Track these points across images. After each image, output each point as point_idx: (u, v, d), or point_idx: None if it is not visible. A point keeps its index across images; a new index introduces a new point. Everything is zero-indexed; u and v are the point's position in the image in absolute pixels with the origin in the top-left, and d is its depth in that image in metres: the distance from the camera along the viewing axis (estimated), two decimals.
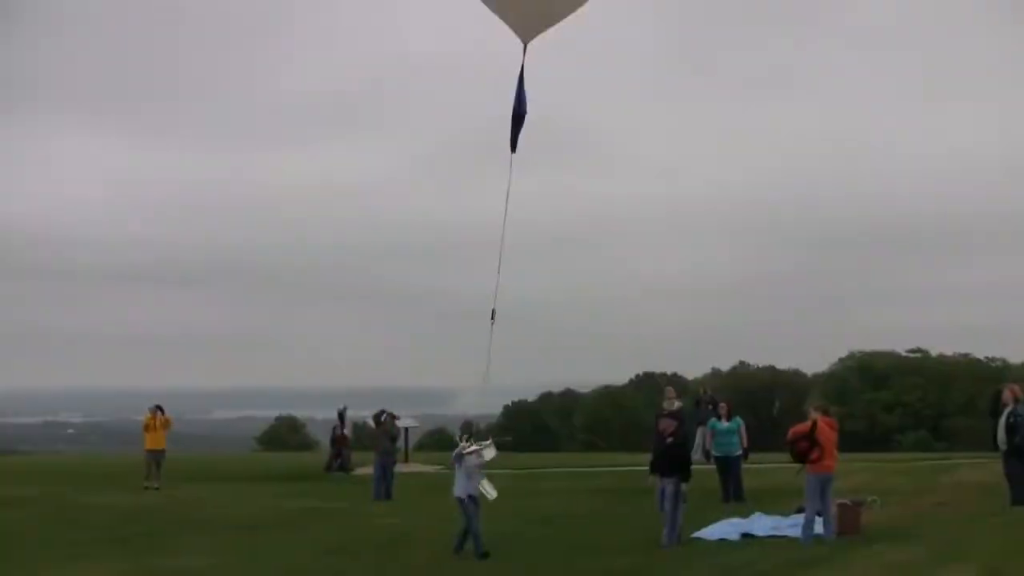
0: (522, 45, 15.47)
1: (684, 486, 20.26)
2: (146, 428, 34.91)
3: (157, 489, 33.55)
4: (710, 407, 30.84)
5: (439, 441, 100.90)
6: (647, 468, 21.72)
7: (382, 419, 32.93)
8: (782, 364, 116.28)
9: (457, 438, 22.50)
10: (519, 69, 15.56)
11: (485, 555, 19.40)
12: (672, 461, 20.46)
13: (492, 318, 17.86)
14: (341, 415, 40.16)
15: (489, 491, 21.09)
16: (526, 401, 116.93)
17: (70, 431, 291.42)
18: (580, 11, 15.67)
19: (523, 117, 15.76)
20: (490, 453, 20.92)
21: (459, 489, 20.16)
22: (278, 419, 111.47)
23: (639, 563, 18.51)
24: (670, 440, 20.69)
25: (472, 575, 18.22)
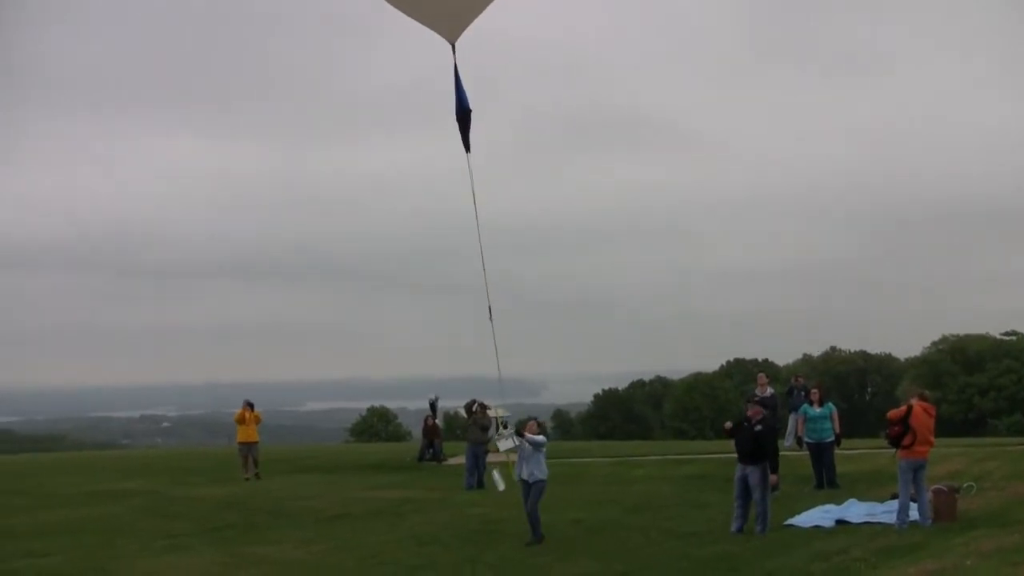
0: (450, 46, 15.20)
1: (775, 476, 20.13)
2: (239, 422, 35.72)
3: (257, 478, 34.29)
4: (802, 393, 30.54)
5: None
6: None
7: (473, 409, 33.00)
8: (874, 349, 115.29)
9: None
10: (453, 71, 15.27)
11: (537, 541, 19.91)
12: (758, 448, 20.31)
13: (490, 317, 17.91)
14: (433, 405, 40.32)
15: (498, 481, 21.31)
16: (616, 390, 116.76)
17: (166, 424, 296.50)
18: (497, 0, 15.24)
19: (468, 116, 15.51)
20: (505, 444, 21.08)
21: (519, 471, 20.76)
22: (370, 410, 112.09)
23: (732, 550, 18.41)
24: (758, 428, 20.49)
25: (565, 564, 18.21)
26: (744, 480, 20.30)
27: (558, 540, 20.19)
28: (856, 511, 21.47)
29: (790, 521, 20.83)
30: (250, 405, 35.92)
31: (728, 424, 21.38)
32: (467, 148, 15.62)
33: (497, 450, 36.19)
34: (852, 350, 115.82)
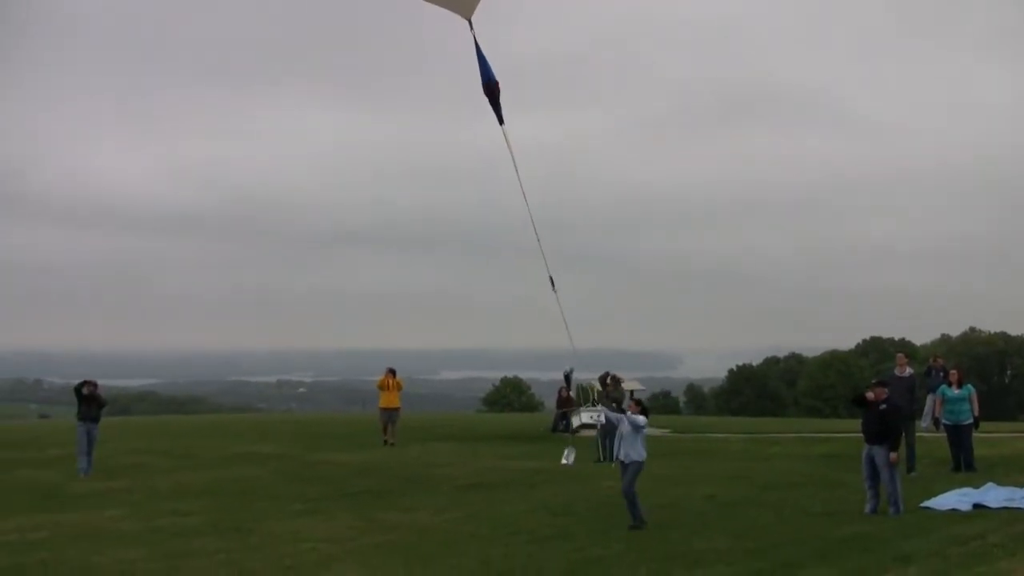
0: (467, 22, 15.09)
1: (894, 455, 19.90)
2: (381, 388, 36.36)
3: (393, 445, 34.90)
4: (940, 374, 30.06)
5: (664, 404, 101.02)
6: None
7: (606, 381, 33.09)
8: (1015, 331, 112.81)
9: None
10: (473, 46, 15.16)
11: (638, 526, 19.29)
12: (884, 428, 20.10)
13: (552, 287, 17.83)
14: (567, 377, 40.51)
15: (568, 455, 21.22)
16: (751, 366, 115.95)
17: (301, 390, 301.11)
18: None
19: (496, 89, 15.39)
20: (577, 420, 20.89)
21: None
22: (503, 380, 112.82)
23: (867, 531, 18.26)
24: (883, 407, 20.26)
25: (698, 539, 18.22)
26: (871, 460, 20.13)
27: (691, 515, 20.20)
28: (995, 495, 21.11)
29: (926, 503, 20.56)
30: (392, 372, 36.56)
31: (866, 394, 21.12)
32: (500, 121, 15.63)
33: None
34: (992, 331, 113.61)
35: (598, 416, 20.49)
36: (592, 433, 34.14)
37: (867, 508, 20.10)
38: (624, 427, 19.87)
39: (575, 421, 20.18)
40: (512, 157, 15.94)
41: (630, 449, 19.78)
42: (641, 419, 19.88)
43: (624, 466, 19.81)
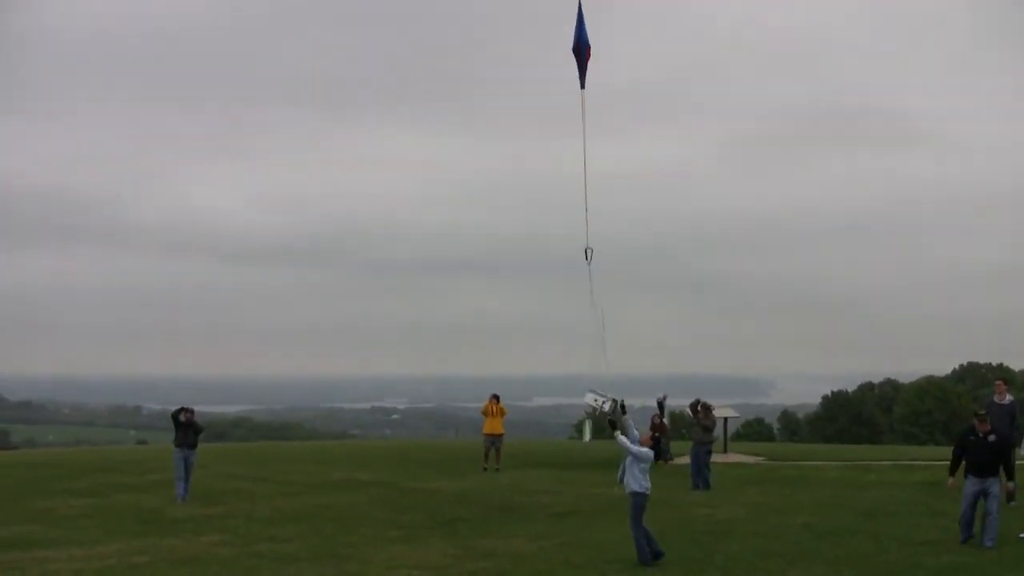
0: None
1: (1011, 484, 19.62)
2: (485, 414, 36.63)
3: (498, 470, 35.09)
4: None
5: (758, 431, 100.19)
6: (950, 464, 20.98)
7: (697, 409, 33.00)
8: None
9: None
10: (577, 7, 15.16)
11: (641, 563, 18.66)
12: (994, 459, 19.77)
13: (587, 258, 17.67)
14: (660, 404, 40.44)
15: (585, 432, 20.69)
16: (846, 392, 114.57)
17: (395, 416, 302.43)
18: None
19: (587, 53, 15.36)
20: (587, 398, 20.29)
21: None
22: None
23: (966, 561, 18.07)
24: (992, 438, 19.92)
25: (795, 568, 18.12)
26: (977, 493, 19.77)
27: (788, 544, 20.09)
28: None
29: None
30: (496, 398, 36.84)
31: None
32: (582, 85, 15.65)
33: (725, 451, 35.97)
34: None
35: (599, 400, 20.09)
36: (685, 461, 33.99)
37: (962, 538, 19.86)
38: (627, 456, 19.12)
39: (587, 398, 20.02)
40: (584, 127, 15.99)
41: (630, 478, 19.10)
42: (640, 450, 19.15)
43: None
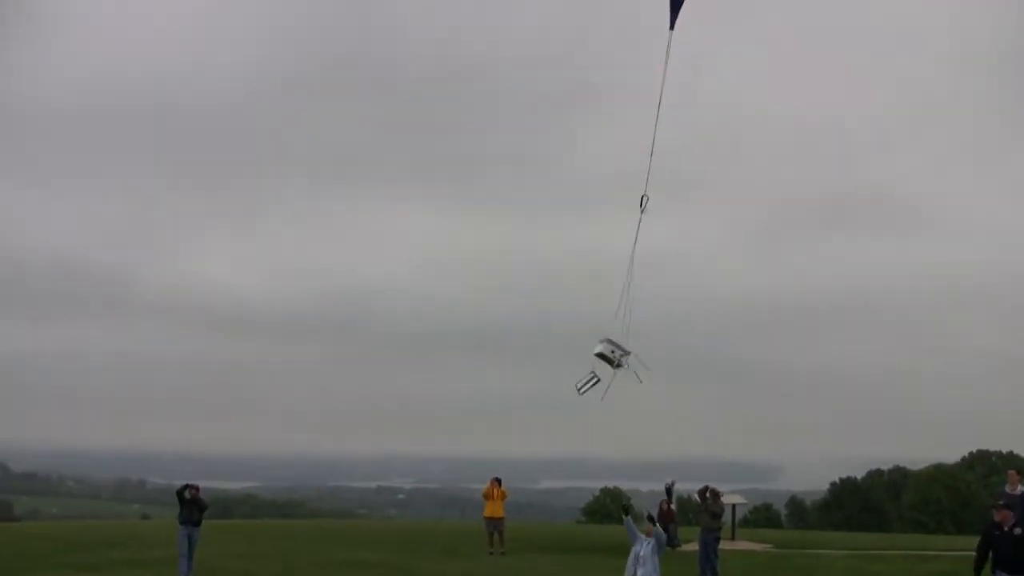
0: None
1: None
2: (485, 496, 36.49)
3: (503, 553, 34.90)
4: None
5: (766, 518, 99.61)
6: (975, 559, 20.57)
7: (706, 495, 32.82)
8: None
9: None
10: None
11: None
12: (1019, 556, 19.36)
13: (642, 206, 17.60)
14: (668, 490, 40.21)
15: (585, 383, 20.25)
16: (854, 479, 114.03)
17: (401, 496, 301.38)
18: None
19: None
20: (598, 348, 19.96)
21: None
22: (603, 490, 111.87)
23: None
24: (1018, 531, 19.45)
25: None
26: None
27: None
28: None
29: None
30: (497, 481, 36.69)
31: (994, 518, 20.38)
32: (671, 26, 15.74)
33: (733, 537, 35.67)
34: None
35: (616, 353, 19.67)
36: (693, 547, 33.75)
37: None
38: (643, 547, 18.95)
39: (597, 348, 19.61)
40: (665, 67, 15.95)
41: (646, 572, 18.90)
42: (661, 533, 19.14)
43: None
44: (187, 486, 29.35)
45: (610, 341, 20.36)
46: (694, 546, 33.42)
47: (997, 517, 19.83)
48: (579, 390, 20.64)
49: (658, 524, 19.43)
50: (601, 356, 20.15)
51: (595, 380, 20.48)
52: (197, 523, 28.91)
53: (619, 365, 20.25)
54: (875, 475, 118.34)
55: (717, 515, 32.54)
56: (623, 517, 19.04)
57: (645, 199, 18.28)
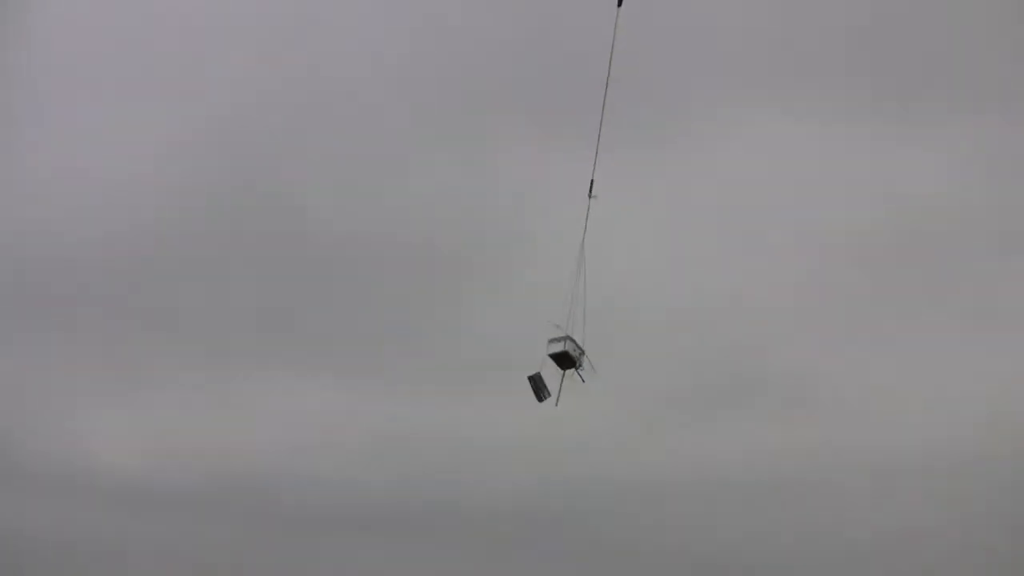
0: None
1: None
2: None
3: None
4: None
5: None
6: None
7: None
8: None
9: None
10: None
11: None
12: None
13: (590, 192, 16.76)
14: None
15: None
16: None
17: None
18: None
19: None
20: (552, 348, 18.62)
21: None
22: None
23: None
24: None
25: None
26: None
27: None
28: None
29: None
30: None
31: None
32: (619, 2, 15.00)
33: None
34: None
35: (572, 347, 18.34)
36: None
37: None
38: None
39: (551, 348, 18.54)
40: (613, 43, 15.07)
41: None
42: None
43: None
44: None
45: (571, 339, 19.35)
46: None
47: None
48: (539, 399, 19.44)
49: None
50: (559, 357, 19.04)
51: (541, 384, 19.30)
52: None
53: (580, 366, 19.36)
54: None
55: None
56: None
57: (592, 183, 17.40)
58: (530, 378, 20.08)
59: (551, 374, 20.99)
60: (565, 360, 20.63)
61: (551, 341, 22.09)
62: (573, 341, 20.32)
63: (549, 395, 20.07)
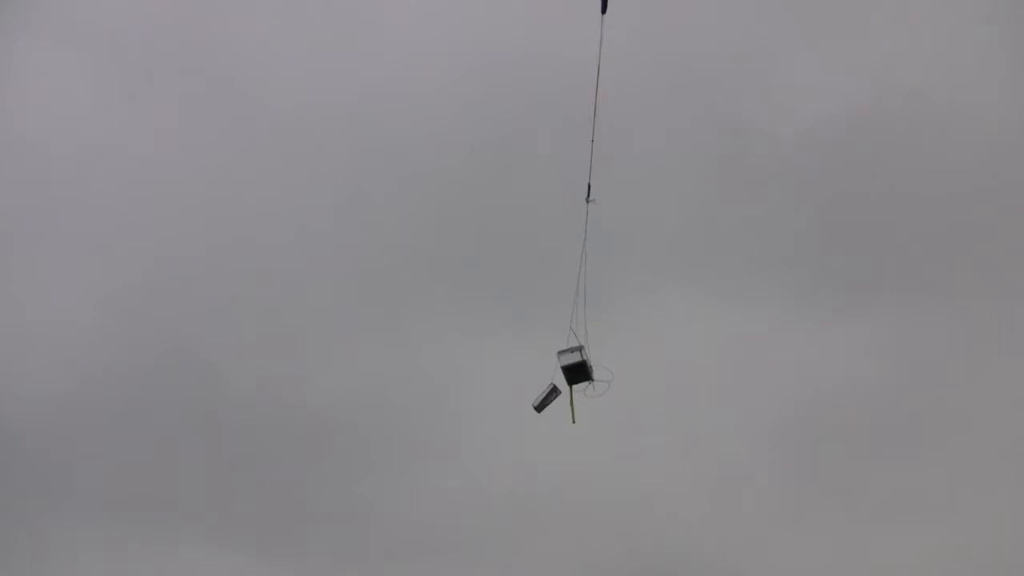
0: None
1: None
2: None
3: None
4: None
5: None
6: None
7: None
8: None
9: None
10: None
11: None
12: None
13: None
14: None
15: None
16: None
17: None
18: None
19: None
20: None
21: None
22: None
23: None
24: None
25: None
26: None
27: None
28: None
29: None
30: None
31: None
32: (603, 9, 15.49)
33: None
34: None
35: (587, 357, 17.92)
36: None
37: None
38: None
39: (563, 360, 18.32)
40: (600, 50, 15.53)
41: None
42: None
43: None
44: None
45: (583, 350, 19.01)
46: None
47: None
48: (536, 408, 18.97)
49: None
50: (573, 368, 18.59)
51: (555, 394, 18.87)
52: None
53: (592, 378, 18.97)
54: None
55: None
56: None
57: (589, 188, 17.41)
58: (553, 386, 19.84)
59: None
60: (579, 373, 20.07)
61: (560, 353, 21.65)
62: (585, 353, 20.17)
63: (539, 409, 19.94)
